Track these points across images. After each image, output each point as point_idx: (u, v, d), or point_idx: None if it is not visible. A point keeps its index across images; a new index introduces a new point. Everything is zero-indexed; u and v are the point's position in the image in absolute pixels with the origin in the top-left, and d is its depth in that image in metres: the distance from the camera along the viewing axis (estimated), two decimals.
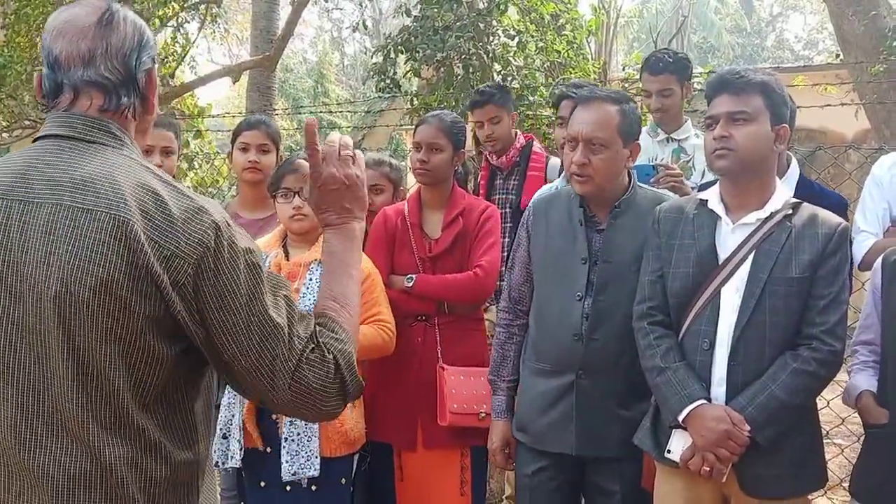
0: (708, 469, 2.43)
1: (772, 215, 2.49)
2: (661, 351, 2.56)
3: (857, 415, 5.08)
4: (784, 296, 2.42)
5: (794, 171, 3.28)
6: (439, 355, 3.30)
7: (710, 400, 2.47)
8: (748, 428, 2.38)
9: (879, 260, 2.69)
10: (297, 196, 3.13)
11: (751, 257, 2.47)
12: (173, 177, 3.78)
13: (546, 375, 2.84)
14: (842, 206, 3.17)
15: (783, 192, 2.57)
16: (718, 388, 2.47)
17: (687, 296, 2.55)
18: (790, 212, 2.50)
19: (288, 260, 3.19)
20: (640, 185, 2.99)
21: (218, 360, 1.51)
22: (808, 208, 2.53)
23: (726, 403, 2.44)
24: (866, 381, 2.68)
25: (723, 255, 2.53)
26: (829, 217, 2.50)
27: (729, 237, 2.54)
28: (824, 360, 2.39)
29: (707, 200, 2.61)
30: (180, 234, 1.46)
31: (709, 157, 2.57)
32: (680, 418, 2.47)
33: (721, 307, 2.49)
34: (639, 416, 2.74)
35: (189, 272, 1.45)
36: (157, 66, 1.71)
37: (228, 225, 1.52)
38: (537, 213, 2.98)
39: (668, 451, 2.54)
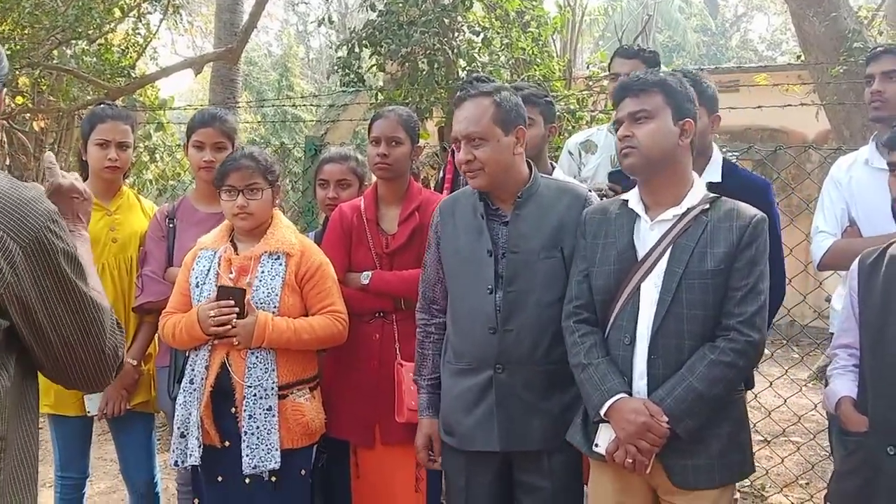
0: (631, 461, 2.47)
1: (688, 211, 2.56)
2: (584, 348, 2.63)
3: (813, 413, 5.16)
4: (700, 289, 2.49)
5: (717, 157, 3.32)
6: (397, 352, 3.29)
7: (631, 394, 2.53)
8: (666, 419, 2.43)
9: (856, 262, 2.69)
10: (241, 195, 3.10)
11: (668, 253, 2.54)
12: (129, 170, 3.74)
13: (465, 374, 2.88)
14: (765, 188, 3.20)
15: (700, 188, 2.63)
16: (640, 382, 2.54)
17: (609, 293, 2.62)
18: (707, 206, 2.56)
19: (237, 254, 3.17)
20: (544, 175, 3.06)
21: (35, 330, 1.64)
22: (726, 203, 2.60)
23: (648, 396, 2.49)
24: (846, 386, 2.69)
25: (641, 252, 2.60)
26: (745, 210, 2.57)
27: (648, 234, 2.61)
28: (742, 350, 2.46)
29: (628, 200, 2.69)
30: (14, 215, 1.58)
31: (618, 158, 2.67)
32: (602, 412, 2.54)
33: (640, 302, 2.56)
34: (559, 408, 2.80)
35: (18, 251, 1.57)
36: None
37: (57, 218, 1.67)
38: (444, 213, 3.02)
39: (596, 445, 2.60)
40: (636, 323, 2.55)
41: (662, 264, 2.54)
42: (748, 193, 2.76)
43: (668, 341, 2.50)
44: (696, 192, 2.61)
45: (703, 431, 2.48)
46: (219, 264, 3.17)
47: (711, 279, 2.48)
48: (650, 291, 2.54)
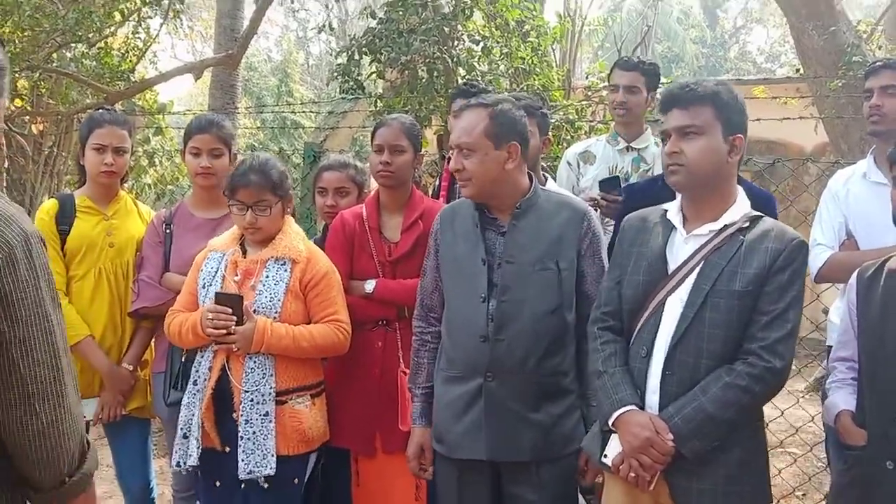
0: (634, 476, 2.43)
1: (725, 227, 2.48)
2: (603, 356, 2.59)
3: (810, 424, 5.16)
4: (725, 308, 2.40)
5: None
6: (400, 360, 3.28)
7: (642, 407, 2.47)
8: (671, 437, 2.37)
9: (854, 275, 2.67)
10: (250, 211, 3.09)
11: (698, 268, 2.47)
12: (127, 175, 3.74)
13: (456, 382, 2.87)
14: (768, 202, 3.17)
15: (743, 204, 2.55)
16: (653, 397, 2.48)
17: (637, 303, 2.56)
18: (746, 225, 2.48)
19: (245, 257, 3.17)
20: (544, 188, 3.05)
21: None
22: (766, 222, 2.50)
23: (659, 412, 2.44)
24: (845, 399, 2.67)
25: (673, 265, 2.53)
26: (783, 232, 2.47)
27: (681, 248, 2.54)
28: (759, 376, 2.36)
29: (668, 210, 2.62)
30: None
31: (664, 173, 2.58)
32: (610, 422, 2.49)
33: (663, 316, 2.49)
34: (550, 420, 2.78)
35: None
36: None
37: (40, 240, 1.65)
38: (444, 221, 3.02)
39: (605, 456, 2.54)
40: (655, 337, 2.49)
41: (691, 280, 2.47)
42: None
43: (685, 358, 2.43)
44: (737, 209, 2.51)
45: (710, 454, 2.39)
46: (225, 267, 3.17)
47: (738, 300, 2.39)
48: (675, 306, 2.47)
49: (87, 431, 3.57)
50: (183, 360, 3.26)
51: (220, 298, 3.04)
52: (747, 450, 2.47)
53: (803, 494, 5.16)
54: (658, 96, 4.24)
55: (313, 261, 3.18)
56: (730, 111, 2.48)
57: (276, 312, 3.08)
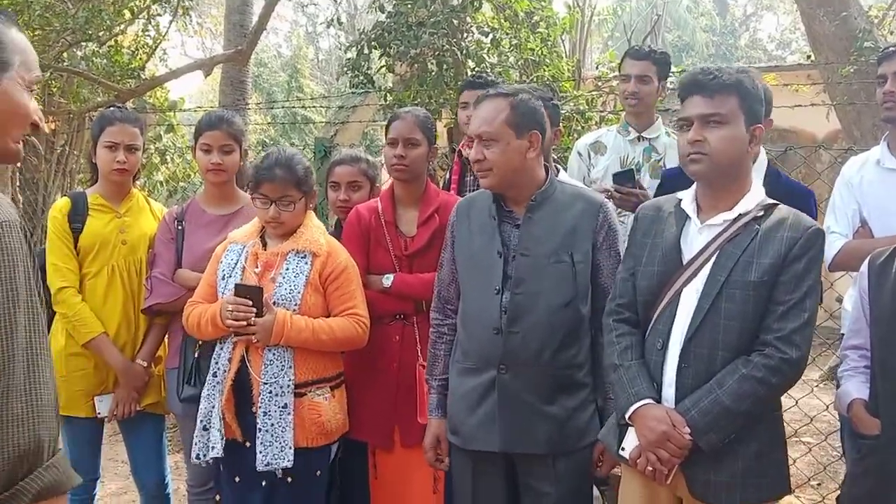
0: (651, 470, 2.42)
1: (740, 217, 2.46)
2: (619, 349, 2.57)
3: (825, 413, 5.15)
4: (741, 299, 2.38)
5: (762, 161, 3.27)
6: (419, 353, 3.28)
7: (659, 400, 2.45)
8: (688, 430, 2.35)
9: (866, 263, 2.65)
10: (273, 205, 3.10)
11: (713, 259, 2.44)
12: (139, 172, 3.75)
13: (471, 374, 2.87)
14: (807, 198, 3.15)
15: (757, 193, 2.52)
16: (669, 390, 2.46)
17: (652, 294, 2.54)
18: (761, 214, 2.45)
19: (265, 249, 3.17)
20: (561, 180, 3.03)
21: None
22: (782, 211, 2.47)
23: (675, 405, 2.42)
24: (857, 388, 2.65)
25: (687, 255, 2.50)
26: (798, 221, 2.43)
27: (696, 238, 2.51)
28: (776, 367, 2.33)
29: (682, 200, 2.60)
30: None
31: (682, 161, 2.53)
32: (627, 416, 2.48)
33: (679, 308, 2.47)
34: (565, 413, 2.78)
35: None
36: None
37: (13, 227, 1.60)
38: (460, 213, 3.01)
39: (622, 449, 2.53)
40: (671, 329, 2.47)
41: (706, 270, 2.44)
42: (788, 202, 2.61)
43: (700, 351, 2.40)
44: (752, 198, 2.48)
45: (727, 447, 2.38)
46: (246, 259, 3.17)
47: (753, 290, 2.36)
48: (690, 297, 2.45)
49: (102, 428, 3.62)
50: (196, 355, 3.27)
51: (240, 290, 3.04)
52: (765, 441, 2.45)
53: (818, 484, 5.14)
54: (669, 85, 4.24)
55: (333, 254, 3.18)
56: (752, 100, 2.45)
57: (295, 305, 3.09)
